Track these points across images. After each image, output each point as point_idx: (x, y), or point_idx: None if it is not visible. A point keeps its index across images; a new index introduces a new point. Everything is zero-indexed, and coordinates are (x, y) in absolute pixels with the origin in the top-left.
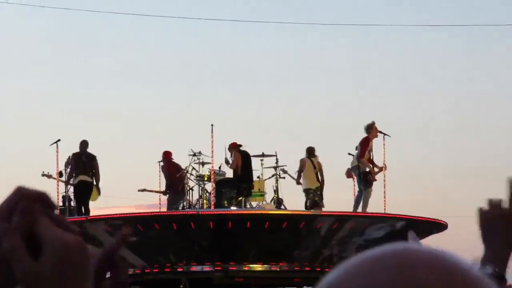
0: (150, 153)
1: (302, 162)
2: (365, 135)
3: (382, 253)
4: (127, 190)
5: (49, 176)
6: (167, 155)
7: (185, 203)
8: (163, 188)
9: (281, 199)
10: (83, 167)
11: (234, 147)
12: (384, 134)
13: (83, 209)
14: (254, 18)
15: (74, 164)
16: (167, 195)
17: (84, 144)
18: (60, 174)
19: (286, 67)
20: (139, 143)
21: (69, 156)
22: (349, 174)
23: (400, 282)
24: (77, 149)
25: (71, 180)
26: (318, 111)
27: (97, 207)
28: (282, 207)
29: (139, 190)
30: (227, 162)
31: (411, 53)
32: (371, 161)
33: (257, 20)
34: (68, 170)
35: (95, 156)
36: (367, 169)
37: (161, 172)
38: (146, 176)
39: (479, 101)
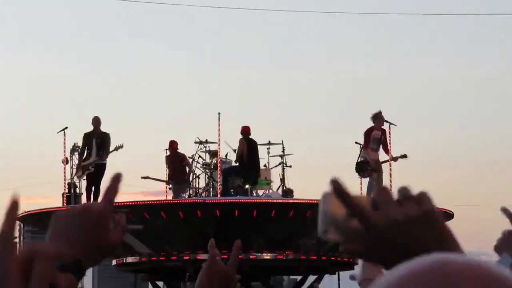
0: (156, 141)
1: None
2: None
3: (425, 266)
4: (134, 176)
5: (66, 162)
6: (172, 145)
7: (191, 191)
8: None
9: (290, 189)
10: (95, 150)
11: (243, 134)
12: (390, 123)
13: (92, 194)
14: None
15: (84, 145)
16: (170, 185)
17: (96, 121)
18: (66, 161)
19: None
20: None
21: (75, 144)
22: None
23: None
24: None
25: (88, 161)
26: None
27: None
28: (290, 196)
29: (142, 177)
30: (234, 150)
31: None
32: (386, 148)
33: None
34: (77, 153)
35: (108, 134)
36: (375, 159)
37: (169, 160)
38: (152, 164)
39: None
